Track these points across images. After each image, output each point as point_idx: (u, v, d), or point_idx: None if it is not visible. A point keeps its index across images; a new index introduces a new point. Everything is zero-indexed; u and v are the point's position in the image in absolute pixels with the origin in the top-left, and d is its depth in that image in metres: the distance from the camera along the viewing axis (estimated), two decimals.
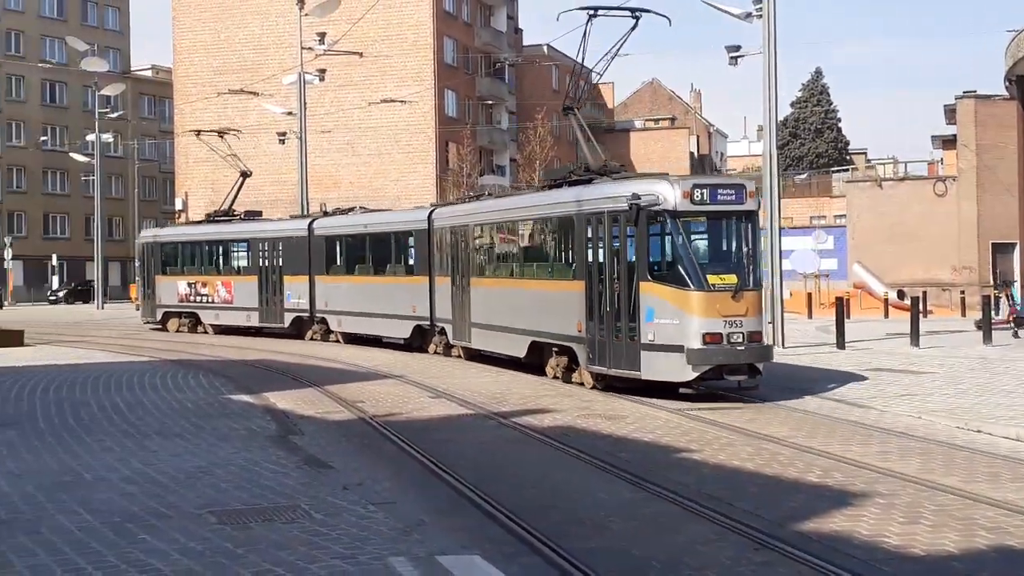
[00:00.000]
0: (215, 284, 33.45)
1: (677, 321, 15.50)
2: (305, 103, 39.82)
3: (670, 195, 15.94)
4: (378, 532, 7.49)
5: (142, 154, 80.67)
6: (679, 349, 15.33)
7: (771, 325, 23.45)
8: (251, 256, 32.84)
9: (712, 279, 15.77)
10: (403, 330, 25.85)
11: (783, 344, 23.27)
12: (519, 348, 19.82)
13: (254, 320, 31.42)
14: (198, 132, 38.58)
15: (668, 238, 16.37)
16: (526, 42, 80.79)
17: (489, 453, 11.52)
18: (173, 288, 35.19)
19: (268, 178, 66.20)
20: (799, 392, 15.94)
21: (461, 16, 69.51)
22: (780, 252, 24.47)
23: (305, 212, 38.58)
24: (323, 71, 42.77)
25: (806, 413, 13.97)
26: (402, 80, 63.57)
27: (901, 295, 41.20)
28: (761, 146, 30.11)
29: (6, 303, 61.58)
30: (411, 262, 26.48)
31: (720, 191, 16.70)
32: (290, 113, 42.47)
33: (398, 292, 26.11)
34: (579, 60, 20.31)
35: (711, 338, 15.36)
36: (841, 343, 23.17)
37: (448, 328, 23.41)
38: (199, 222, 42.19)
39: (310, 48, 40.66)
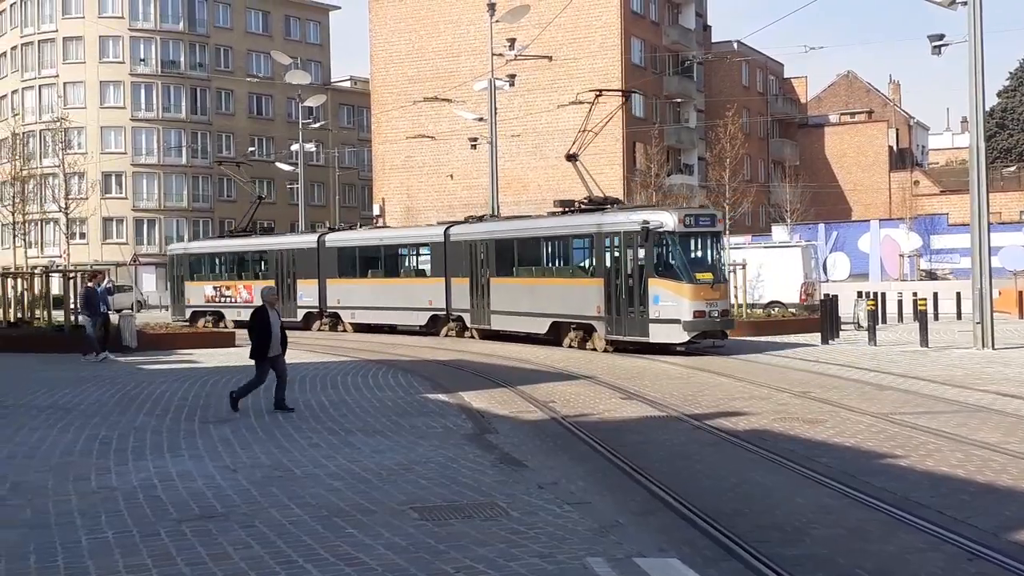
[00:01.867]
0: (238, 287, 39.66)
1: (675, 303, 23.26)
2: (495, 108, 40.36)
3: (670, 221, 23.79)
4: (574, 532, 7.48)
5: (342, 162, 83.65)
6: (677, 321, 23.18)
7: (979, 325, 22.36)
8: (269, 264, 39.34)
9: (697, 276, 23.63)
10: (420, 319, 32.54)
11: (992, 345, 22.11)
12: (542, 327, 27.37)
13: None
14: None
15: (668, 249, 24.07)
16: (715, 39, 79.56)
17: (684, 455, 11.36)
18: (200, 291, 41.54)
19: (460, 183, 67.62)
20: (1008, 396, 15.09)
21: (649, 15, 69.00)
22: (988, 249, 23.26)
23: (495, 213, 39.19)
24: (513, 76, 43.26)
25: (1019, 418, 13.18)
26: (589, 82, 63.10)
27: None
28: (966, 138, 28.79)
29: None
30: (425, 267, 33.56)
31: (701, 219, 25.47)
32: (481, 119, 43.17)
33: (415, 290, 32.91)
34: (584, 126, 28.18)
35: (698, 314, 23.25)
36: None
37: (465, 316, 30.52)
38: (220, 237, 50.63)
39: (500, 54, 41.22)
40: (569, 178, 64.78)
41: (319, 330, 35.77)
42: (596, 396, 16.52)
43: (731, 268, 30.74)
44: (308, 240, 38.78)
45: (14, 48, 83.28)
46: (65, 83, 79.10)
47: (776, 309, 34.78)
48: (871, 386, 17.20)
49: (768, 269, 35.50)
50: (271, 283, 36.48)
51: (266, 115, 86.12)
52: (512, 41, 42.58)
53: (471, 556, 6.78)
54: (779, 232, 51.26)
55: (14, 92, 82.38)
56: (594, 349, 25.33)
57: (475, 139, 46.07)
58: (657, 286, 23.53)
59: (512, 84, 43.58)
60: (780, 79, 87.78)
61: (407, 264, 35.18)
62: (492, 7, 39.25)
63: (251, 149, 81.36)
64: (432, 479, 9.48)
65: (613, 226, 25.32)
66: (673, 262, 24.01)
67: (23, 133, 42.17)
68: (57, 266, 42.68)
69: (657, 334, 23.54)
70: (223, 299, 40.52)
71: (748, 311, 32.03)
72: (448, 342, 29.74)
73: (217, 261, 42.83)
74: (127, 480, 9.67)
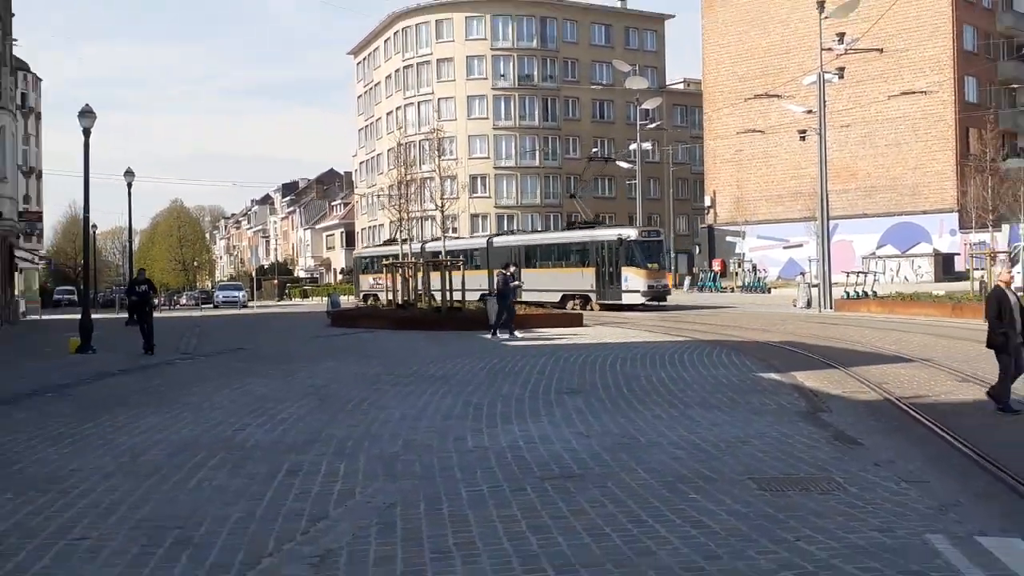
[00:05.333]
0: (387, 278, 48.25)
1: (637, 281, 37.82)
2: (825, 101, 38.65)
3: (634, 233, 39.62)
4: (913, 509, 7.04)
5: (675, 159, 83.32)
6: (638, 291, 37.83)
7: None
8: (481, 259, 50.59)
9: (650, 265, 38.48)
10: (475, 296, 39.14)
11: None
12: (555, 297, 40.65)
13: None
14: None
15: (633, 249, 38.41)
16: None
17: None
18: (367, 281, 57.67)
19: (787, 172, 65.58)
20: None
21: (981, 2, 63.48)
22: None
23: (824, 202, 37.66)
24: (842, 69, 41.16)
25: None
26: (920, 71, 59.59)
27: None
28: None
29: None
30: (478, 263, 45.37)
31: (651, 232, 41.84)
32: (810, 111, 41.48)
33: (472, 278, 38.97)
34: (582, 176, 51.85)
35: (650, 287, 38.05)
36: None
37: None
38: (379, 245, 66.90)
39: (830, 48, 39.39)
40: (899, 165, 61.24)
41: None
42: (931, 378, 15.40)
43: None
44: (416, 248, 51.49)
45: (397, 71, 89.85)
46: (439, 99, 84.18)
47: None
48: None
49: None
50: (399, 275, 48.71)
51: (607, 119, 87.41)
52: (841, 35, 40.54)
53: (810, 526, 6.55)
54: None
55: (398, 108, 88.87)
56: (591, 310, 38.21)
57: (804, 131, 44.33)
58: (627, 271, 37.72)
59: (841, 77, 41.42)
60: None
61: (468, 261, 44.32)
62: (822, 5, 37.59)
63: (594, 150, 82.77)
64: (768, 452, 9.24)
65: (600, 237, 40.07)
66: (636, 257, 38.20)
67: (406, 143, 45.34)
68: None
69: (627, 299, 37.75)
70: (378, 286, 52.92)
71: None
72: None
73: (372, 261, 58.12)
74: (497, 441, 10.09)
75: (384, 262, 55.10)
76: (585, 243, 40.85)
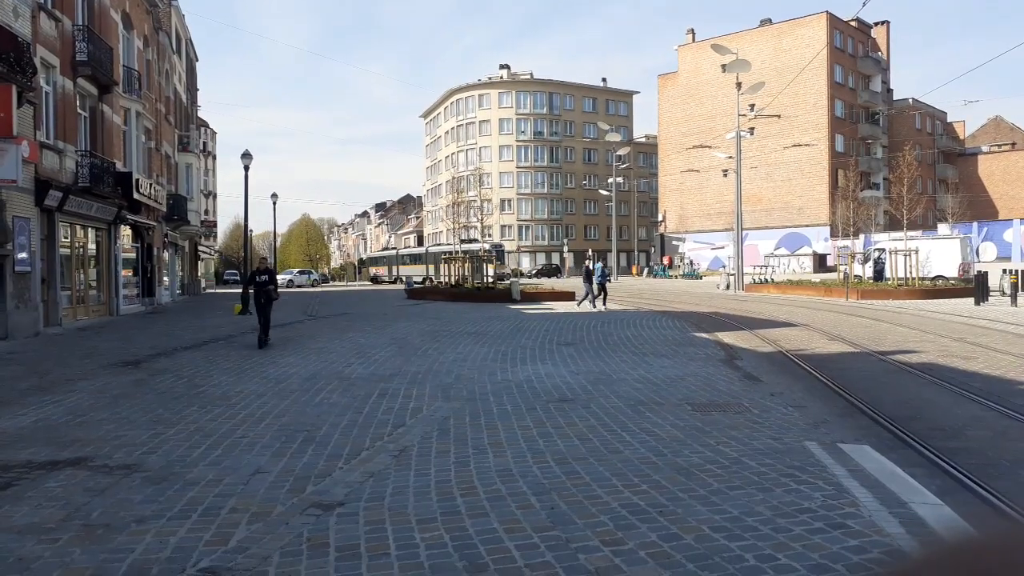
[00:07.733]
0: (394, 269, 56.08)
1: (491, 270, 34.78)
2: (740, 150, 38.26)
3: (489, 246, 40.26)
4: (796, 424, 6.98)
5: (639, 188, 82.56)
6: (491, 275, 34.67)
7: None
8: (403, 259, 57.07)
9: (496, 263, 38.94)
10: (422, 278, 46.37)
11: None
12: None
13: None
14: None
15: (492, 254, 39.42)
16: (896, 97, 70.72)
17: (872, 378, 10.19)
18: (372, 271, 64.49)
19: (714, 198, 64.75)
20: None
21: (847, 84, 62.53)
22: None
23: (738, 218, 37.07)
24: (752, 129, 40.65)
25: None
26: (805, 130, 58.76)
27: None
28: None
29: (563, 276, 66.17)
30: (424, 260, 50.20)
31: (497, 246, 51.55)
32: (730, 157, 41.01)
33: (420, 269, 44.80)
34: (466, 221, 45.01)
35: (496, 273, 36.62)
36: None
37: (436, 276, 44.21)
38: (380, 251, 75.37)
39: (744, 114, 38.85)
40: (790, 194, 60.29)
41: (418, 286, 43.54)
42: (809, 337, 15.19)
43: (907, 253, 28.15)
44: (422, 249, 59.71)
45: (452, 128, 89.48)
46: (480, 147, 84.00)
47: (940, 281, 30.61)
48: (1012, 335, 14.67)
49: (935, 254, 31.62)
50: (421, 266, 57.02)
51: (593, 162, 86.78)
52: (752, 105, 40.08)
53: (726, 435, 6.53)
54: (943, 228, 44.68)
55: (452, 154, 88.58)
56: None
57: (726, 170, 43.88)
58: (487, 267, 35.82)
59: (751, 134, 40.88)
60: (944, 123, 76.63)
61: (421, 260, 51.07)
62: (739, 85, 37.10)
63: (584, 182, 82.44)
64: (699, 386, 9.18)
65: (476, 247, 39.87)
66: (491, 259, 38.19)
67: (456, 178, 45.35)
68: (477, 252, 47.75)
69: (488, 280, 34.45)
70: (378, 272, 60.99)
71: (919, 282, 28.35)
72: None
73: (374, 259, 66.19)
74: (517, 375, 10.07)
75: (381, 259, 65.19)
76: (471, 251, 43.84)
